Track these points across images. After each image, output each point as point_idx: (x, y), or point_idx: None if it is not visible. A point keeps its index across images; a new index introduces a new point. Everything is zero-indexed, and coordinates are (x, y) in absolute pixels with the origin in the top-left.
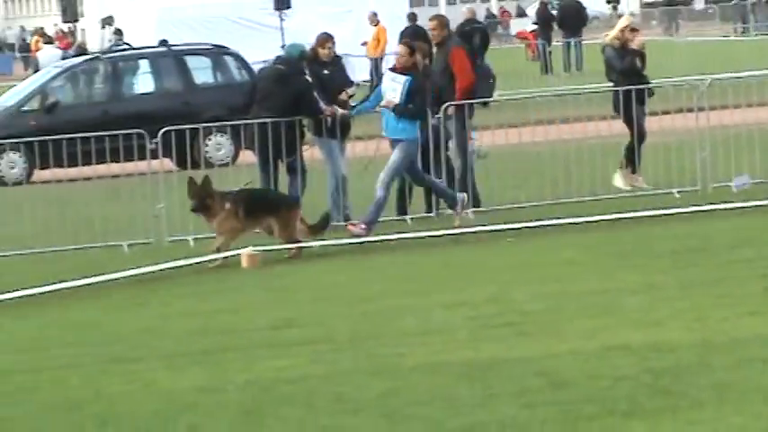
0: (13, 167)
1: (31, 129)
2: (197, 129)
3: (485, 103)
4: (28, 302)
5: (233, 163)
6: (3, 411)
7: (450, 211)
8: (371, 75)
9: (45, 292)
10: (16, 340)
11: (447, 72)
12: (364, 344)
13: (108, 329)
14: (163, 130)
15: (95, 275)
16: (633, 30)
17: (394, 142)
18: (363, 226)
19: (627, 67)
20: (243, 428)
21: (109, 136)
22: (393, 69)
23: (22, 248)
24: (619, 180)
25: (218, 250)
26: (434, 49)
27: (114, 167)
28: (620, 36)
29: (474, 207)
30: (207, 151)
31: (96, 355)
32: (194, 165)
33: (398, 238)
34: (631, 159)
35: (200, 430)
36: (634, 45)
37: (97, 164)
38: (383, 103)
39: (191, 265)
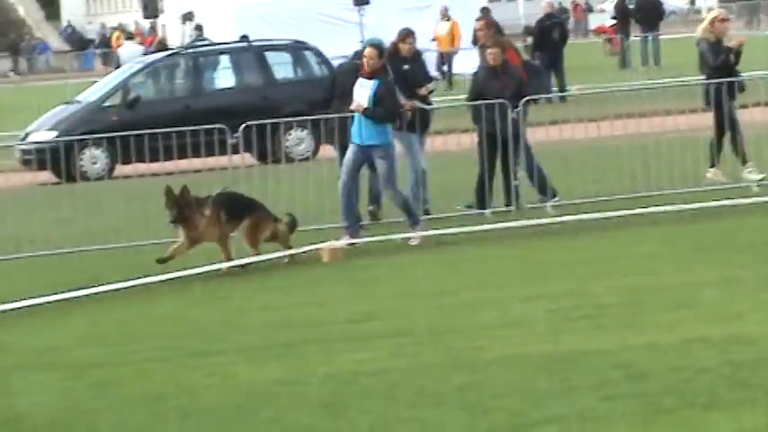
0: (95, 163)
1: (112, 124)
2: (278, 123)
3: (562, 98)
4: (112, 297)
5: (313, 157)
6: (88, 404)
7: (529, 205)
8: (439, 70)
9: (129, 287)
10: (101, 334)
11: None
12: (444, 337)
13: (190, 323)
14: (244, 125)
15: (178, 270)
16: (723, 20)
17: (365, 149)
18: (416, 233)
19: (720, 65)
20: (324, 421)
21: (190, 131)
22: (362, 74)
23: (105, 243)
24: (717, 174)
25: (229, 259)
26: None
27: (195, 162)
28: (711, 28)
29: (554, 199)
30: (287, 146)
31: (179, 349)
32: (275, 159)
33: (478, 231)
34: (719, 152)
35: (282, 423)
36: (732, 43)
37: (178, 159)
38: (352, 106)
39: (272, 259)
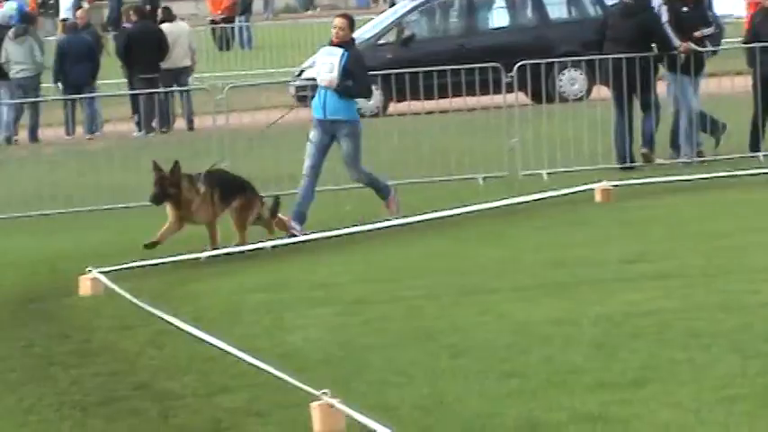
0: (369, 100)
1: (387, 62)
2: (552, 63)
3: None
4: (384, 234)
5: (587, 97)
6: (359, 340)
7: None
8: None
9: (402, 225)
10: (374, 270)
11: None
12: (716, 279)
13: (462, 261)
14: (518, 64)
15: (450, 208)
16: None
17: (329, 124)
18: (393, 206)
19: None
20: (595, 362)
21: (465, 69)
22: (330, 43)
23: None
24: None
25: (215, 245)
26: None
27: (469, 101)
28: None
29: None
30: (561, 85)
31: (450, 286)
32: (549, 99)
33: (750, 175)
34: None
35: (553, 363)
36: None
37: (453, 97)
38: (323, 82)
39: (545, 198)
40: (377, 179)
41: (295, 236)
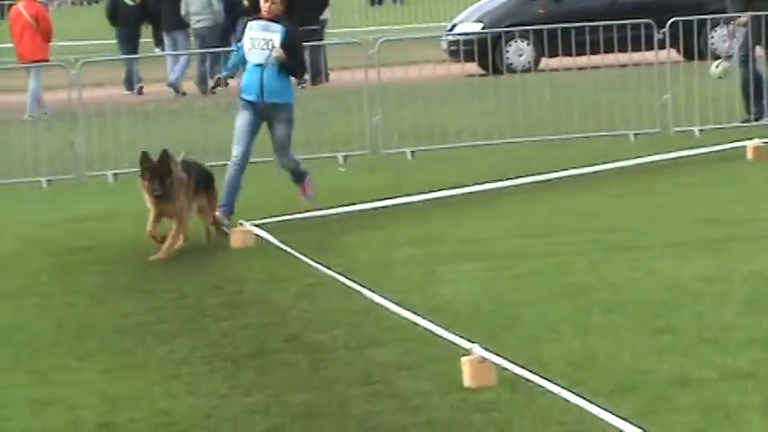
0: (520, 55)
1: (538, 17)
2: (704, 20)
3: None
4: (536, 189)
5: None
6: (510, 295)
7: None
8: None
9: (552, 179)
10: (524, 226)
11: None
12: None
13: (612, 217)
14: (670, 21)
15: (601, 163)
16: None
17: (265, 108)
18: (309, 191)
19: None
20: (747, 319)
21: (617, 25)
22: (260, 18)
23: (530, 135)
24: None
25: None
26: None
27: (621, 57)
28: None
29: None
30: (713, 43)
31: (601, 242)
32: (700, 56)
33: None
34: None
35: (704, 320)
36: None
37: (604, 53)
38: (274, 54)
39: (696, 155)
40: (299, 164)
41: (226, 233)
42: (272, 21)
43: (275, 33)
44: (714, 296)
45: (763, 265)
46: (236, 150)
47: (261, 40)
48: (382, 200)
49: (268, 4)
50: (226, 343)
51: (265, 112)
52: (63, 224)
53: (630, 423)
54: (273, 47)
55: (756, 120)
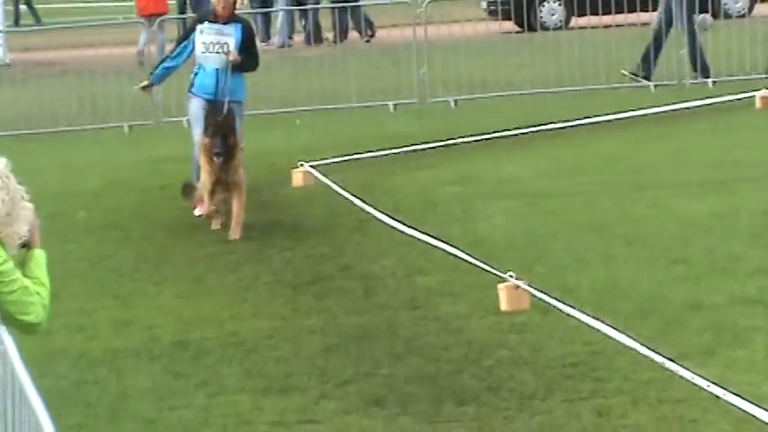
0: (553, 14)
1: None
2: None
3: None
4: (564, 134)
5: (748, 14)
6: (541, 229)
7: None
8: None
9: (579, 125)
10: (554, 167)
11: None
12: None
13: (633, 159)
14: None
15: (623, 111)
16: None
17: (220, 105)
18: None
19: None
20: (754, 251)
21: None
22: (211, 20)
23: (559, 86)
24: None
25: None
26: None
27: (643, 16)
28: None
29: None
30: (725, 2)
31: (622, 182)
32: (714, 15)
33: None
34: None
35: (716, 251)
36: None
37: (628, 12)
38: (230, 59)
39: (708, 105)
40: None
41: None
42: (225, 23)
43: (229, 37)
44: (724, 230)
45: (767, 202)
46: (198, 131)
47: (215, 44)
48: (428, 143)
49: (221, 5)
50: (287, 271)
51: (217, 108)
52: (142, 165)
53: (646, 347)
54: (229, 50)
55: (645, 78)
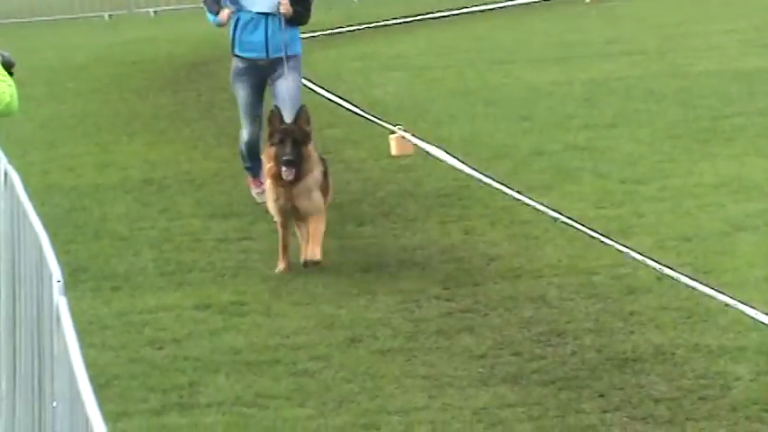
0: None
1: None
2: None
3: None
4: (443, 21)
5: None
6: (423, 94)
7: None
8: None
9: (453, 14)
10: (434, 46)
11: None
12: (666, 55)
13: (494, 41)
14: None
15: (488, 3)
16: None
17: (269, 64)
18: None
19: None
20: (583, 110)
21: None
22: None
23: None
24: None
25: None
26: None
27: None
28: None
29: None
30: None
31: (485, 58)
32: None
33: None
34: None
35: (555, 111)
36: None
37: None
38: (282, 11)
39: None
40: None
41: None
42: None
43: None
44: (561, 95)
45: (595, 74)
46: (248, 129)
47: None
48: (335, 29)
49: None
50: (228, 125)
51: (268, 70)
52: (119, 45)
53: (500, 183)
54: None
55: None
